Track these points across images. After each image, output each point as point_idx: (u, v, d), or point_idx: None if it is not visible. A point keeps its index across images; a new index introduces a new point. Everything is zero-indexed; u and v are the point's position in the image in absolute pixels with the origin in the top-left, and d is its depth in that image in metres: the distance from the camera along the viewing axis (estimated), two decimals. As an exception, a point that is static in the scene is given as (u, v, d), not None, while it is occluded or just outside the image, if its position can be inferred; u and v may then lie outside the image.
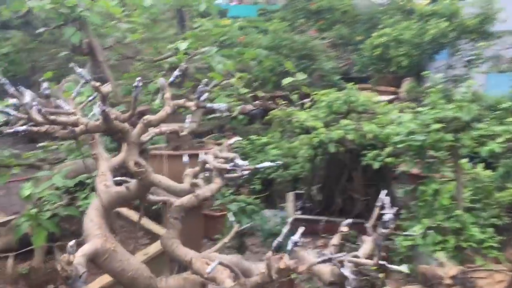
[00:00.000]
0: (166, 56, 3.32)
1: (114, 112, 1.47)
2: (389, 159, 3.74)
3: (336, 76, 9.69)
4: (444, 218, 3.34)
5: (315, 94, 4.64)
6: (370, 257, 1.94)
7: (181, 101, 1.61)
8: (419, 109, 3.37)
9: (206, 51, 2.93)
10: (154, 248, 2.93)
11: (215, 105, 1.64)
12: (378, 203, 2.00)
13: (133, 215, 3.54)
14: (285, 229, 1.90)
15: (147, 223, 3.31)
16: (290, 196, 4.90)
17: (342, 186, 4.38)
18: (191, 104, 1.60)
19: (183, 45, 2.86)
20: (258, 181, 6.74)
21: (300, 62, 9.72)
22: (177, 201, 1.74)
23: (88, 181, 2.85)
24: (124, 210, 3.69)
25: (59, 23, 2.65)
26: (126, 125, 1.55)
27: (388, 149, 3.54)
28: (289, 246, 1.33)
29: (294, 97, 3.51)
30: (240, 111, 3.05)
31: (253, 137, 6.53)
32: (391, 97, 8.47)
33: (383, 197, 2.01)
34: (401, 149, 3.47)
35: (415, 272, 3.18)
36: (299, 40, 9.75)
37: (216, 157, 2.06)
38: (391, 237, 3.66)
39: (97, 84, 1.45)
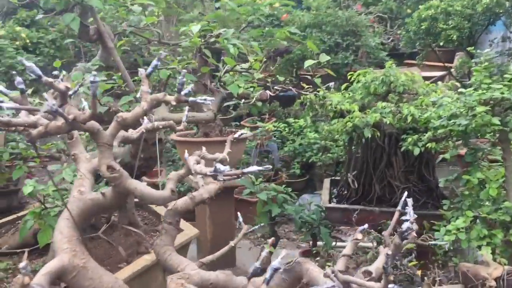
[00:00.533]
0: (177, 42, 3.13)
1: (73, 112, 1.31)
2: (430, 145, 3.42)
3: (383, 52, 9.24)
4: (491, 210, 3.02)
5: (351, 74, 4.34)
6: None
7: (160, 95, 1.43)
8: (461, 89, 3.02)
9: (223, 34, 2.72)
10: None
11: (198, 99, 1.45)
12: (399, 207, 1.74)
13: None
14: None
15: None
16: (327, 182, 4.66)
17: (381, 172, 4.09)
18: (171, 98, 1.41)
19: (195, 28, 2.66)
20: (297, 165, 6.55)
21: (344, 39, 9.34)
22: (170, 205, 1.58)
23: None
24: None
25: (60, 8, 2.52)
26: (95, 125, 1.39)
27: (428, 134, 3.23)
28: (268, 274, 1.13)
29: (317, 80, 3.24)
30: (258, 97, 2.84)
31: (291, 119, 6.30)
32: (442, 73, 7.96)
33: (406, 199, 1.75)
34: (442, 134, 3.16)
35: (456, 271, 2.90)
36: (342, 16, 9.34)
37: (203, 158, 1.87)
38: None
39: (51, 80, 1.29)
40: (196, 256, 4.77)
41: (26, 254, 2.15)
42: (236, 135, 2.14)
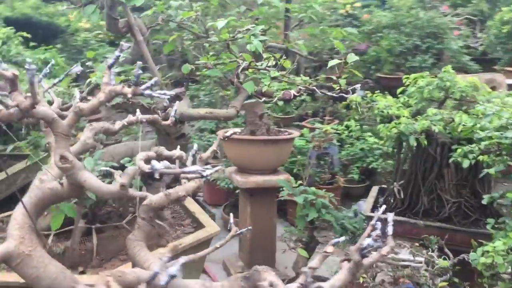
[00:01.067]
0: (205, 36, 3.12)
1: (17, 99, 1.33)
2: (482, 157, 3.14)
3: (466, 56, 8.65)
4: (539, 234, 2.71)
5: (406, 77, 4.10)
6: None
7: (118, 87, 1.42)
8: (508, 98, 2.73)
9: (251, 30, 2.67)
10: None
11: (155, 93, 1.42)
12: (373, 221, 1.60)
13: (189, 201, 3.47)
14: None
15: (198, 211, 3.21)
16: (374, 190, 4.45)
17: (430, 184, 3.83)
18: (128, 91, 1.40)
19: (220, 24, 2.63)
20: (356, 170, 6.34)
21: (423, 42, 8.90)
22: (145, 200, 1.57)
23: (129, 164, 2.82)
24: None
25: (86, 1, 2.62)
26: (48, 113, 1.41)
27: (474, 146, 2.96)
28: (163, 281, 1.06)
29: (342, 82, 3.08)
30: (280, 97, 2.75)
31: (350, 122, 6.11)
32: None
33: (388, 213, 1.61)
34: (489, 147, 2.88)
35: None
36: (424, 17, 8.89)
37: (159, 155, 1.84)
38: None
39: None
40: (237, 254, 4.78)
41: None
42: (227, 134, 2.09)
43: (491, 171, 2.96)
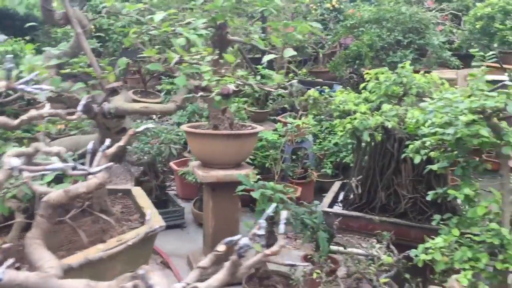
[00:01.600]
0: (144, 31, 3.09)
1: None
2: (434, 153, 3.13)
3: (447, 52, 8.62)
4: (480, 231, 2.71)
5: (367, 73, 4.09)
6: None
7: (-10, 82, 1.40)
8: (448, 95, 2.72)
9: (192, 24, 2.64)
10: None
11: (29, 88, 1.40)
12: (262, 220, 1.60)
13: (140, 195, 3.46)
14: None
15: (147, 206, 3.19)
16: (336, 185, 4.45)
17: (387, 179, 3.82)
18: (1, 84, 1.38)
19: (157, 17, 2.59)
20: (329, 165, 6.34)
21: (406, 36, 8.88)
22: (44, 197, 1.56)
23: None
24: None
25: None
26: None
27: (417, 142, 2.96)
28: None
29: (279, 77, 3.06)
30: (219, 92, 2.72)
31: (307, 119, 6.09)
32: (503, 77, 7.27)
33: (281, 212, 1.60)
34: (434, 143, 2.88)
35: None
36: (406, 12, 8.85)
37: (37, 151, 1.82)
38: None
39: None
40: (202, 249, 4.77)
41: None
42: (140, 129, 2.06)
43: (434, 167, 2.96)
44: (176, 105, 2.96)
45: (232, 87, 2.71)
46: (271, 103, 7.03)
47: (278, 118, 6.86)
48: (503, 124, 2.73)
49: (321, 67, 10.97)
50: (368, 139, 3.48)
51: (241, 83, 2.80)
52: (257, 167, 6.04)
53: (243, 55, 7.82)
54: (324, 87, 5.08)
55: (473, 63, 3.01)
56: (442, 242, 2.69)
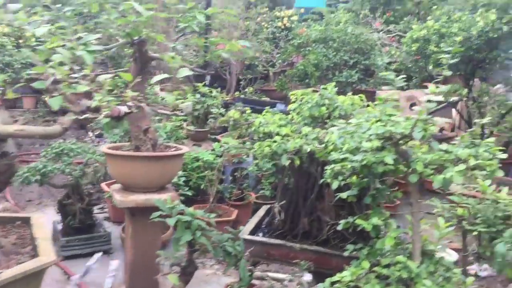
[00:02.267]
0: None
1: None
2: (352, 179, 3.00)
3: (390, 72, 8.69)
4: (390, 262, 2.58)
5: (293, 94, 3.97)
6: None
7: None
8: (354, 121, 2.61)
9: (83, 38, 2.44)
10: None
11: None
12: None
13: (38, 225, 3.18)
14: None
15: (42, 237, 2.92)
16: (263, 209, 4.28)
17: (311, 205, 3.69)
18: None
19: (40, 30, 2.38)
20: (268, 186, 6.19)
21: (351, 57, 8.93)
22: None
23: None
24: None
25: None
26: None
27: (329, 169, 2.82)
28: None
29: (171, 98, 2.90)
30: (108, 113, 2.52)
31: (227, 139, 5.94)
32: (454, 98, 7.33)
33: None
34: (345, 169, 2.75)
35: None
36: (351, 33, 8.92)
37: None
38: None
39: None
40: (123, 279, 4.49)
41: None
42: None
43: (343, 195, 2.84)
44: (63, 127, 2.73)
45: (124, 108, 2.51)
46: (211, 122, 6.86)
47: (218, 137, 6.69)
48: (416, 150, 2.63)
49: (271, 85, 10.94)
50: (287, 163, 3.33)
51: (132, 104, 2.61)
52: (192, 188, 5.84)
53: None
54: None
55: (383, 87, 2.90)
56: (349, 275, 2.55)
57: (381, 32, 10.40)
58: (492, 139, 2.47)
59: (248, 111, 4.13)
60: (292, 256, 3.57)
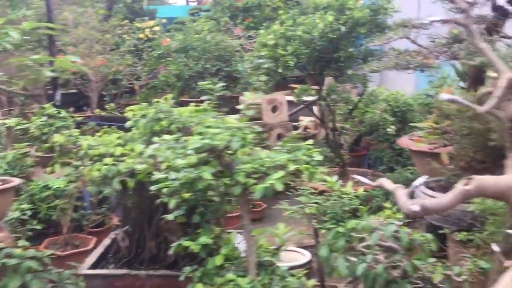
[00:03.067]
0: None
1: None
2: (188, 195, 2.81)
3: (254, 78, 8.80)
4: (223, 282, 2.43)
5: (131, 110, 3.70)
6: None
7: None
8: (167, 137, 2.46)
9: None
10: None
11: None
12: None
13: None
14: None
15: None
16: (108, 238, 3.91)
17: (156, 226, 3.45)
18: None
19: None
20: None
21: (213, 64, 8.88)
22: None
23: None
24: None
25: None
26: None
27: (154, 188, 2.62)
28: None
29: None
30: None
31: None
32: (312, 99, 7.52)
33: None
34: (172, 189, 2.56)
35: None
36: (211, 41, 8.88)
37: None
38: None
39: None
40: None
41: None
42: None
43: (170, 217, 2.66)
44: None
45: None
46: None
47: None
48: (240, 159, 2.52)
49: (137, 99, 10.54)
50: (118, 187, 3.06)
51: None
52: (42, 221, 5.29)
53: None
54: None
55: (203, 97, 2.77)
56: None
57: (242, 38, 10.51)
58: (311, 140, 2.45)
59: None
60: (139, 285, 3.31)
